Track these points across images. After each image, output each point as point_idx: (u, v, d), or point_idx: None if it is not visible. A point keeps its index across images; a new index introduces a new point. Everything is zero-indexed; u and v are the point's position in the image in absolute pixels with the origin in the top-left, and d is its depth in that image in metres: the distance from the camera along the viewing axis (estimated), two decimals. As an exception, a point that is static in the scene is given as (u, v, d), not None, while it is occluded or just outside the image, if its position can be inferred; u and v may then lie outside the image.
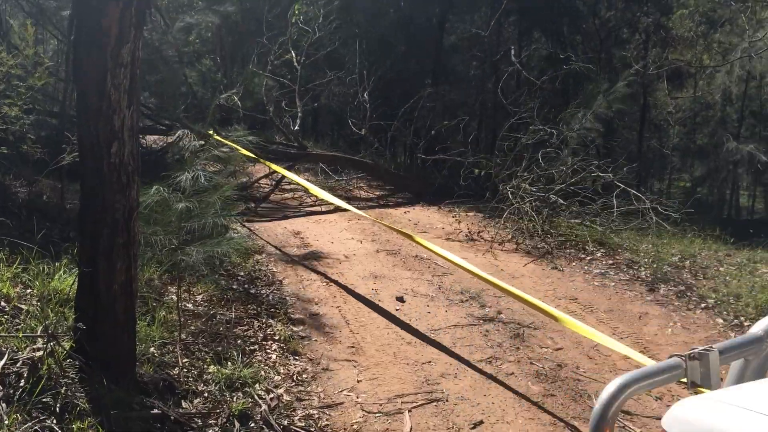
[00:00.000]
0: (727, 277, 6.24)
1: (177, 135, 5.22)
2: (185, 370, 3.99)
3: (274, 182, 10.84)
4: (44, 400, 2.88)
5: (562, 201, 8.44)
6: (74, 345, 3.24)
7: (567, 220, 8.50)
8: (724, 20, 12.81)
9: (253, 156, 8.95)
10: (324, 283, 6.36)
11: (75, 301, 3.31)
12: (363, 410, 3.93)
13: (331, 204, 8.60)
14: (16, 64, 5.34)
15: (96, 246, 3.17)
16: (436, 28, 17.77)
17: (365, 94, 13.88)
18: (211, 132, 8.78)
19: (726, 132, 9.99)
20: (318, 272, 6.72)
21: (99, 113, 3.08)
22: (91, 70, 3.07)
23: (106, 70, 3.04)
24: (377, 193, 12.35)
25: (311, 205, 10.41)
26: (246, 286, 6.02)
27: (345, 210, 8.08)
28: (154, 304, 4.79)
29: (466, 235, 8.52)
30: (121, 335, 3.30)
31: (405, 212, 10.50)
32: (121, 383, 3.24)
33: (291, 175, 8.85)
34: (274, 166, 9.13)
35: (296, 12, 13.75)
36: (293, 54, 13.92)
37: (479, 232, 8.61)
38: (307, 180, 9.82)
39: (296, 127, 12.68)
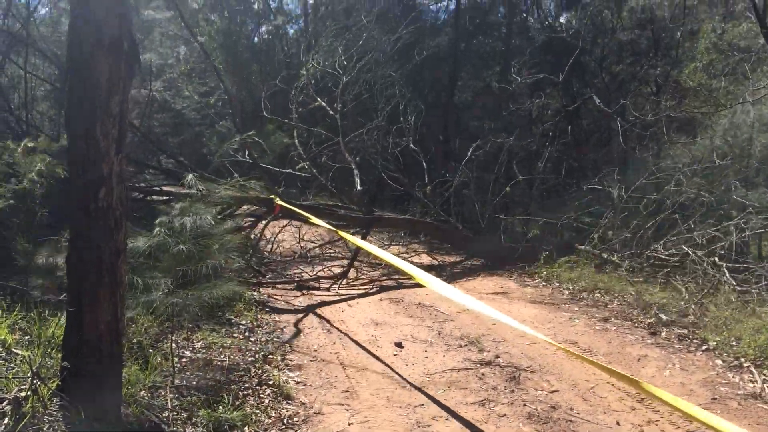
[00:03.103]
0: (731, 321, 6.15)
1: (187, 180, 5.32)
2: (174, 413, 4.03)
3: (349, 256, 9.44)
4: (25, 436, 2.96)
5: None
6: (60, 384, 3.33)
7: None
8: (728, 70, 12.94)
9: (331, 228, 8.26)
10: (325, 331, 6.41)
11: (62, 341, 3.41)
12: (351, 452, 3.92)
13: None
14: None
15: (82, 287, 3.30)
16: (448, 84, 18.19)
17: (412, 144, 12.47)
18: (273, 197, 8.83)
19: (734, 180, 9.93)
20: (319, 320, 6.78)
21: (88, 160, 3.25)
22: (81, 119, 3.25)
23: (96, 119, 3.23)
24: (446, 258, 10.85)
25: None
26: (246, 334, 6.08)
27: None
28: (151, 350, 4.88)
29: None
30: (107, 374, 3.38)
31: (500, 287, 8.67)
32: (105, 422, 3.30)
33: (375, 250, 6.95)
34: (351, 238, 7.75)
35: (307, 71, 13.70)
36: (321, 102, 13.08)
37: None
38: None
39: (358, 187, 11.15)
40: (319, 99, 13.25)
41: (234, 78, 23.19)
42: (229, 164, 12.11)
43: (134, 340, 4.97)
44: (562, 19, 18.86)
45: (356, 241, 7.60)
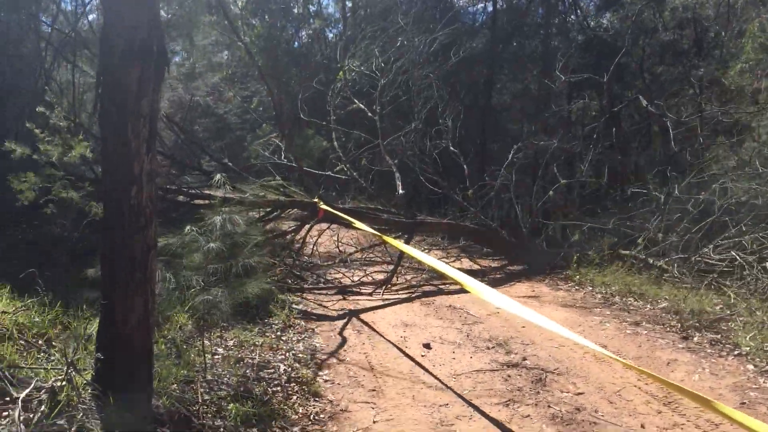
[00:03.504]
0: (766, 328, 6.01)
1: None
2: (205, 406, 4.16)
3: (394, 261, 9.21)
4: (60, 423, 3.11)
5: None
6: (94, 375, 3.48)
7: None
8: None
9: (376, 233, 7.98)
10: (355, 332, 6.50)
11: (96, 334, 3.57)
12: (374, 449, 3.99)
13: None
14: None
15: (114, 282, 3.44)
16: (485, 87, 18.12)
17: (451, 146, 12.16)
18: (317, 200, 8.85)
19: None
20: (350, 321, 6.87)
21: (120, 159, 3.39)
22: (113, 121, 3.40)
23: (127, 120, 3.36)
24: (487, 263, 10.57)
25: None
26: (278, 333, 6.21)
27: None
28: (185, 346, 5.03)
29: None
30: (138, 367, 3.52)
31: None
32: (135, 413, 3.43)
33: (422, 256, 6.66)
34: (397, 244, 7.43)
35: (344, 73, 13.70)
36: (360, 104, 12.90)
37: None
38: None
39: (400, 191, 10.94)
40: (356, 101, 13.12)
41: (274, 82, 23.53)
42: (271, 167, 12.25)
43: (169, 336, 5.13)
44: (603, 20, 18.62)
45: (403, 247, 7.25)
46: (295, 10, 24.00)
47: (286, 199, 9.09)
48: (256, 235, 5.40)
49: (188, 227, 4.37)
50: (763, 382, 4.84)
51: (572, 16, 19.31)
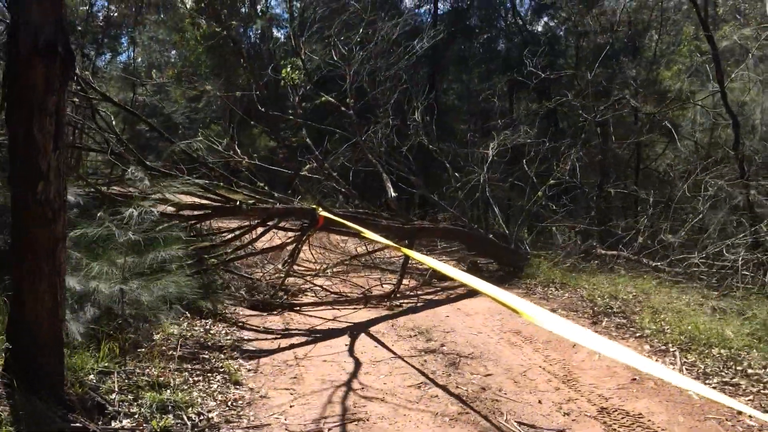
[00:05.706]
0: (669, 312, 6.40)
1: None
2: (122, 394, 4.29)
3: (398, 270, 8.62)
4: (-35, 409, 3.21)
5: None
6: (3, 364, 3.58)
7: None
8: (692, 71, 13.27)
9: (393, 245, 7.24)
10: (284, 324, 6.67)
11: (6, 324, 3.67)
12: (287, 430, 4.17)
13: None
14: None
15: (22, 274, 3.55)
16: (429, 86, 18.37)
17: (430, 144, 11.51)
18: (315, 207, 8.03)
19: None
20: (281, 315, 7.04)
21: (26, 156, 3.50)
22: (20, 118, 3.51)
23: (33, 117, 3.48)
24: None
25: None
26: (207, 327, 6.33)
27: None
28: (107, 338, 5.12)
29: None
30: (48, 355, 3.63)
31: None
32: (46, 400, 3.55)
33: (456, 273, 5.31)
34: (419, 257, 6.12)
35: (288, 72, 13.21)
36: (330, 98, 11.99)
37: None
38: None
39: (392, 193, 9.96)
40: (323, 94, 12.27)
41: (222, 81, 23.45)
42: (219, 167, 11.63)
43: (90, 328, 5.21)
44: (539, 24, 19.22)
45: (424, 259, 6.11)
46: (243, 11, 23.95)
47: (282, 207, 8.22)
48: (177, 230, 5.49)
49: (105, 220, 4.49)
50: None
51: (510, 21, 19.84)
